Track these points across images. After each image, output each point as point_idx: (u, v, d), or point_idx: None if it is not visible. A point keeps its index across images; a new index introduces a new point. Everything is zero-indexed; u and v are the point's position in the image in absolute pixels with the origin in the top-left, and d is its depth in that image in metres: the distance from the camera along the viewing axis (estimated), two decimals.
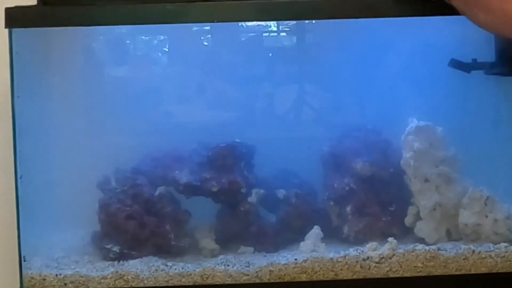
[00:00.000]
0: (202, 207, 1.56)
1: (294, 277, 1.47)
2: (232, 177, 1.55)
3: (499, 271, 1.47)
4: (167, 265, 1.48)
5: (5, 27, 1.42)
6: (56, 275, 1.46)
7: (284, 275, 1.47)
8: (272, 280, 1.46)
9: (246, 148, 1.59)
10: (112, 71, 1.70)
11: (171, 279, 1.46)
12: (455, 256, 1.48)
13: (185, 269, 1.47)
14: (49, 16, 1.44)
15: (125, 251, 1.51)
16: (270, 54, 1.72)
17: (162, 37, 1.70)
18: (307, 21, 1.64)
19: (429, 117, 1.58)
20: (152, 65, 1.71)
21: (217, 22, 1.45)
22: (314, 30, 1.68)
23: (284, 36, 1.73)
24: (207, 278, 1.46)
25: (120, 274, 1.46)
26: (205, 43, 1.69)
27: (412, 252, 1.48)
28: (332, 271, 1.47)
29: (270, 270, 1.47)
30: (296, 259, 1.48)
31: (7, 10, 1.41)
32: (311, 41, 1.72)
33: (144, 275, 1.46)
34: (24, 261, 1.47)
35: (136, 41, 1.72)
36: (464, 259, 1.48)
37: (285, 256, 1.50)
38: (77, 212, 1.55)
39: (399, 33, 1.60)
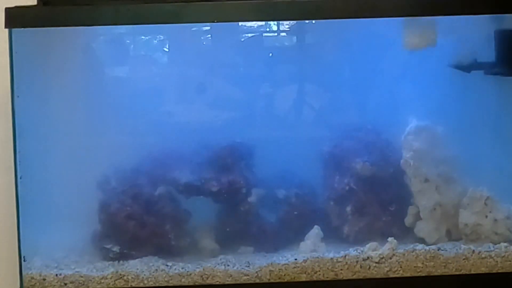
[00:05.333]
0: (202, 207, 1.56)
1: (294, 277, 1.47)
2: (232, 177, 1.55)
3: (499, 271, 1.48)
4: (167, 265, 1.48)
5: (5, 27, 1.42)
6: (56, 275, 1.46)
7: (284, 275, 1.47)
8: (272, 280, 1.46)
9: (246, 148, 1.59)
10: (112, 71, 1.70)
11: (171, 279, 1.46)
12: (455, 256, 1.48)
13: (185, 269, 1.47)
14: (49, 16, 1.44)
15: (125, 251, 1.51)
16: (270, 54, 1.72)
17: (162, 37, 1.70)
18: (307, 21, 1.64)
19: (429, 117, 1.58)
20: (152, 65, 1.71)
21: (217, 22, 1.45)
22: (314, 30, 1.68)
23: (284, 36, 1.73)
24: (207, 278, 1.46)
25: (120, 274, 1.46)
26: (205, 43, 1.69)
27: (412, 252, 1.48)
28: (332, 271, 1.47)
29: (270, 270, 1.47)
30: (296, 259, 1.48)
31: (7, 10, 1.41)
32: (311, 41, 1.72)
33: (144, 275, 1.46)
34: (24, 261, 1.47)
35: (136, 41, 1.72)
36: (464, 259, 1.48)
37: (285, 256, 1.50)
38: (77, 212, 1.55)
39: (399, 33, 1.60)
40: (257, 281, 1.46)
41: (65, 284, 1.45)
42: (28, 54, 1.50)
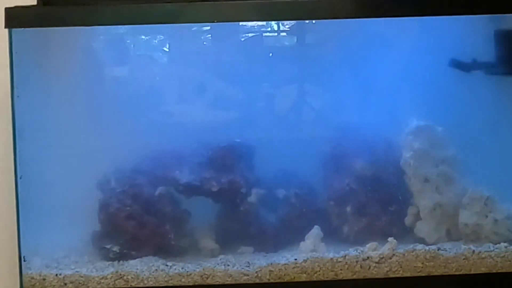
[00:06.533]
0: (202, 207, 1.56)
1: (294, 277, 1.47)
2: (232, 177, 1.55)
3: (499, 271, 1.48)
4: (167, 265, 1.48)
5: (5, 27, 1.42)
6: (56, 275, 1.46)
7: (284, 275, 1.47)
8: (272, 280, 1.46)
9: (246, 148, 1.59)
10: (112, 71, 1.70)
11: (171, 279, 1.46)
12: (455, 256, 1.48)
13: (185, 269, 1.47)
14: (49, 16, 1.44)
15: (125, 251, 1.51)
16: (271, 54, 1.72)
17: (162, 37, 1.70)
18: (307, 21, 1.64)
19: (429, 117, 1.58)
20: (152, 65, 1.71)
21: (217, 22, 1.45)
22: (314, 30, 1.68)
23: (284, 36, 1.73)
24: (207, 278, 1.46)
25: (120, 274, 1.46)
26: (205, 43, 1.69)
27: (412, 252, 1.48)
28: (332, 271, 1.47)
29: (270, 270, 1.47)
30: (296, 259, 1.48)
31: (7, 10, 1.41)
32: (311, 41, 1.72)
33: (144, 275, 1.46)
34: (24, 261, 1.47)
35: (136, 41, 1.72)
36: (464, 259, 1.48)
37: (285, 256, 1.50)
38: (77, 212, 1.55)
39: (399, 33, 1.60)
40: (257, 281, 1.46)
41: (65, 284, 1.45)
42: (28, 54, 1.50)
